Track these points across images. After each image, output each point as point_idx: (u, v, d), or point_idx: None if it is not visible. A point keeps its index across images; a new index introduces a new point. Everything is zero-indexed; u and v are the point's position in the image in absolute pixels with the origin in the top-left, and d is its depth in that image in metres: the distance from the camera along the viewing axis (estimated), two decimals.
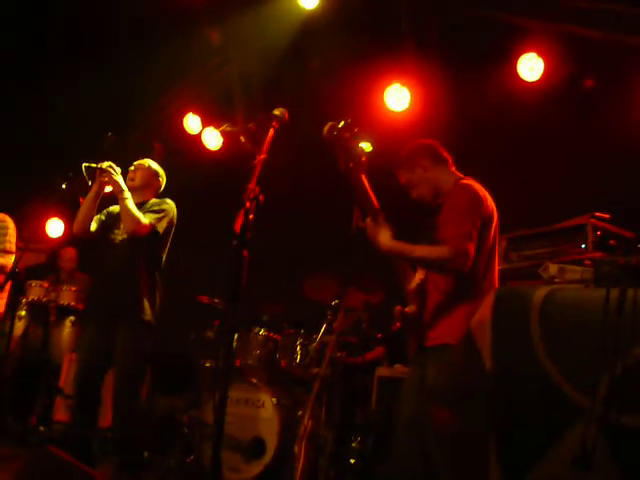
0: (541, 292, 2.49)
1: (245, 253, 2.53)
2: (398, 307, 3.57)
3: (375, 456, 5.31)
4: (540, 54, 5.98)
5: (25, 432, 6.75)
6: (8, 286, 5.73)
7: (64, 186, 4.83)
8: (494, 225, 3.48)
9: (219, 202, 6.93)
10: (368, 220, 3.45)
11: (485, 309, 2.56)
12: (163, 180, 5.03)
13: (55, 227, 8.69)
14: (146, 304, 4.62)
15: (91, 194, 4.68)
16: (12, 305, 4.47)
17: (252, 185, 2.65)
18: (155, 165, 5.04)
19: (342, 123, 3.39)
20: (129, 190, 4.69)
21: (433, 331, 3.41)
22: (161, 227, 4.66)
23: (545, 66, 5.98)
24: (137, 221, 4.55)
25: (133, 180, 4.87)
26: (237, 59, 7.57)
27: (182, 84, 8.04)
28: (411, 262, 3.56)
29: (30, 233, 7.31)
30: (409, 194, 3.69)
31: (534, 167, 6.02)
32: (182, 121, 7.81)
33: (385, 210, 3.47)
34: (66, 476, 3.03)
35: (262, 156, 2.83)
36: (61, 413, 6.85)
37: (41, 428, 6.82)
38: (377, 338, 6.02)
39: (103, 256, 4.83)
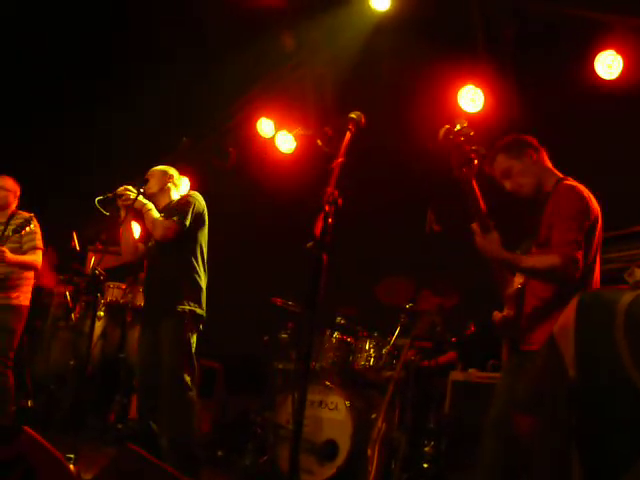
0: (627, 297, 2.42)
1: (324, 257, 2.54)
2: (496, 312, 3.51)
3: (448, 461, 5.25)
4: (619, 51, 5.82)
5: (104, 430, 6.93)
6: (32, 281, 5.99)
7: (142, 190, 4.94)
8: (599, 229, 3.42)
9: (292, 205, 6.99)
10: (475, 227, 3.35)
11: (568, 314, 2.50)
12: (174, 173, 5.16)
13: (183, 184, 8.84)
14: (185, 293, 4.71)
15: (123, 222, 4.88)
16: (93, 306, 4.56)
17: (331, 188, 2.65)
18: (161, 166, 5.19)
19: (458, 127, 3.32)
20: (151, 197, 4.94)
21: (531, 336, 3.36)
22: (187, 221, 4.76)
23: (624, 64, 5.82)
24: (162, 227, 4.71)
25: (150, 188, 5.03)
26: (310, 62, 7.60)
27: (255, 88, 8.11)
28: (519, 271, 3.46)
29: (109, 235, 7.48)
30: (501, 184, 3.59)
31: (611, 168, 5.87)
32: (255, 125, 7.88)
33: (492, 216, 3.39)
34: (147, 473, 3.08)
35: (340, 159, 2.83)
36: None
37: (119, 426, 6.98)
38: (451, 342, 5.96)
39: (146, 265, 5.05)
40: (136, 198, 4.79)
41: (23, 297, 5.89)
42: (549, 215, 3.39)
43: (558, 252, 3.24)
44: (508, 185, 3.58)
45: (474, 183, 3.32)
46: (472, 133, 3.32)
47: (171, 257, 4.81)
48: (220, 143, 8.28)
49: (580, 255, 3.25)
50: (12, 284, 5.82)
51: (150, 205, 4.82)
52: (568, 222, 3.29)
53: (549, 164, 3.62)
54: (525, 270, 3.39)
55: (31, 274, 5.97)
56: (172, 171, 5.18)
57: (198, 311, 4.73)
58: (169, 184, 5.10)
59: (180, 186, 5.20)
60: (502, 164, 3.58)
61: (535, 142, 3.63)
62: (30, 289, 6.00)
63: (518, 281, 3.46)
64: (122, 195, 4.84)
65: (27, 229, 5.76)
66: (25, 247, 5.87)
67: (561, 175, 3.58)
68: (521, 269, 3.40)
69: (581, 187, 3.43)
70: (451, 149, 3.32)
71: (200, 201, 4.93)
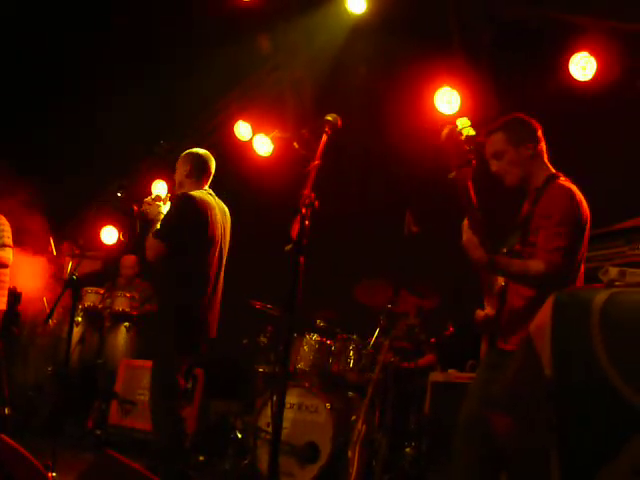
0: (602, 296, 2.43)
1: (302, 259, 2.54)
2: (479, 310, 3.50)
3: (429, 462, 5.27)
4: (592, 53, 5.88)
5: (82, 436, 6.88)
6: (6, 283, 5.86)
7: (120, 194, 4.91)
8: (587, 232, 3.41)
9: (270, 208, 6.99)
10: (465, 226, 3.30)
11: (544, 313, 2.51)
12: (193, 158, 4.84)
13: (109, 234, 8.83)
14: (167, 291, 4.66)
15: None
16: (71, 311, 4.53)
17: (307, 191, 2.65)
18: (183, 155, 4.93)
19: (460, 126, 3.25)
20: (180, 185, 4.79)
21: (511, 336, 3.35)
22: (160, 234, 4.53)
23: (598, 65, 5.87)
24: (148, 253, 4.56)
25: (175, 180, 4.91)
26: (287, 65, 7.61)
27: (232, 91, 8.11)
28: (504, 276, 3.42)
29: (86, 241, 7.44)
30: (487, 161, 3.52)
31: (587, 169, 5.90)
32: (233, 128, 7.88)
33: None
34: (126, 479, 3.07)
35: (316, 162, 2.83)
36: (116, 417, 6.97)
37: (98, 432, 6.94)
38: (430, 343, 5.98)
39: None
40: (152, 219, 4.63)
41: None
42: (538, 216, 3.37)
43: (543, 258, 3.24)
44: (494, 166, 3.53)
45: (470, 184, 3.31)
46: (474, 133, 3.29)
47: (159, 263, 4.69)
48: (197, 146, 8.26)
49: (565, 262, 3.24)
50: None
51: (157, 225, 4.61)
52: (557, 228, 3.27)
53: (544, 157, 3.55)
54: (512, 275, 3.36)
55: (5, 277, 5.83)
56: (188, 159, 4.87)
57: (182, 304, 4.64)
58: (187, 172, 4.82)
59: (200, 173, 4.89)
60: (497, 144, 3.51)
61: (539, 131, 3.56)
62: (4, 292, 5.86)
63: (501, 279, 3.45)
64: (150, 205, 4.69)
65: None
66: None
67: (553, 170, 3.53)
68: (508, 273, 3.37)
69: (574, 189, 3.40)
70: (452, 148, 3.27)
71: (183, 204, 4.63)
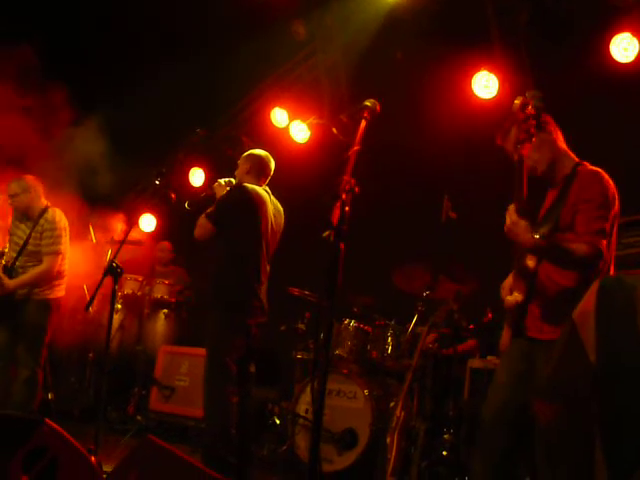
0: None
1: (342, 245, 2.52)
2: (508, 297, 3.45)
3: (467, 448, 5.25)
4: (635, 34, 5.75)
5: (123, 421, 6.98)
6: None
7: (158, 182, 4.93)
8: (618, 216, 3.40)
9: (306, 194, 6.97)
10: (512, 209, 3.28)
11: (589, 299, 2.48)
12: (253, 158, 5.07)
13: (148, 222, 8.91)
14: (223, 284, 4.75)
15: None
16: (111, 298, 4.57)
17: (347, 177, 2.64)
18: (246, 154, 5.14)
19: (530, 98, 3.28)
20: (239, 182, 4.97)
21: (544, 324, 3.32)
22: (211, 216, 4.76)
23: None
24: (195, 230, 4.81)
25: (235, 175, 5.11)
26: (323, 52, 7.58)
27: (268, 78, 8.10)
28: (547, 257, 3.36)
29: (126, 228, 7.50)
30: (509, 151, 3.48)
31: (628, 153, 5.82)
32: (269, 115, 7.87)
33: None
34: (167, 464, 3.09)
35: (356, 147, 2.81)
36: (156, 403, 7.05)
37: (138, 417, 7.03)
38: (469, 329, 5.94)
39: None
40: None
41: (52, 290, 5.77)
42: (574, 200, 3.35)
43: (586, 241, 3.22)
44: (517, 153, 3.42)
45: (525, 164, 3.29)
46: (542, 105, 3.30)
47: (216, 248, 4.89)
48: (234, 133, 8.29)
49: (605, 244, 3.23)
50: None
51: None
52: (597, 211, 3.27)
53: (565, 146, 3.57)
54: (554, 258, 3.31)
55: (63, 267, 5.82)
56: (248, 159, 5.11)
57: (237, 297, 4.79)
58: (247, 171, 5.05)
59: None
60: (515, 132, 3.44)
61: (552, 122, 3.57)
62: (62, 281, 5.88)
63: (530, 265, 3.39)
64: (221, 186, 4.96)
65: (47, 232, 5.64)
66: (44, 251, 5.66)
67: (577, 159, 3.53)
68: (551, 256, 3.32)
69: (605, 174, 3.39)
70: (518, 122, 3.30)
71: (236, 194, 4.86)
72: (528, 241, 3.25)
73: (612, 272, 3.37)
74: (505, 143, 3.53)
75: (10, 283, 5.55)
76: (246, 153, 5.15)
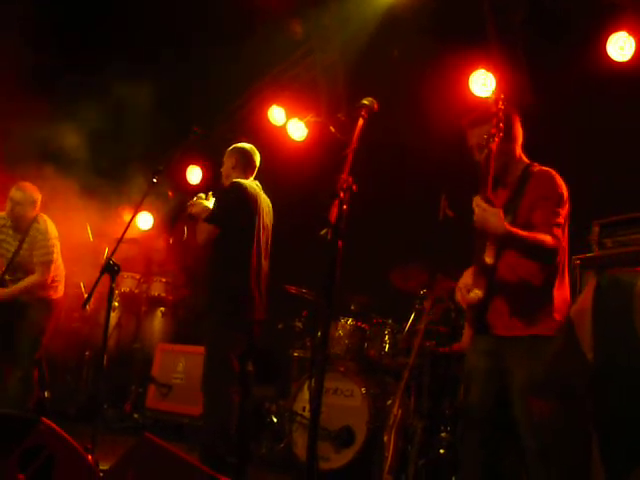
0: None
1: (340, 244, 2.52)
2: (472, 292, 3.38)
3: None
4: (631, 33, 5.75)
5: (120, 419, 6.98)
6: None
7: (154, 180, 4.92)
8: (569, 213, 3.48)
9: (303, 192, 6.98)
10: (480, 199, 3.31)
11: (585, 297, 2.49)
12: (238, 152, 5.03)
13: (145, 220, 8.84)
14: (221, 281, 4.74)
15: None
16: (108, 296, 4.56)
17: (345, 175, 2.64)
18: (230, 149, 5.10)
19: (502, 96, 3.38)
20: (227, 178, 4.97)
21: (516, 320, 3.30)
22: (216, 219, 4.72)
23: (636, 45, 5.75)
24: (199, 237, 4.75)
25: (222, 172, 5.08)
26: (321, 50, 7.57)
27: (266, 76, 8.10)
28: (516, 247, 3.35)
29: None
30: (472, 152, 3.59)
31: (624, 151, 5.82)
32: (267, 113, 7.87)
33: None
34: (165, 462, 3.09)
35: (353, 146, 2.81)
36: (153, 400, 7.06)
37: (135, 415, 7.03)
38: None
39: None
40: (196, 211, 4.87)
41: (55, 291, 5.84)
42: (532, 197, 3.41)
43: (548, 232, 3.26)
44: (477, 156, 3.55)
45: (493, 157, 3.34)
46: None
47: (211, 250, 4.87)
48: (231, 131, 8.27)
49: (561, 236, 3.33)
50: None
51: (204, 215, 4.79)
52: (554, 207, 3.34)
53: (521, 151, 3.63)
54: (525, 246, 3.30)
55: (58, 271, 5.87)
56: (235, 153, 5.07)
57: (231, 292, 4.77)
58: (233, 166, 5.03)
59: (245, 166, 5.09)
60: (478, 137, 3.54)
61: (520, 122, 3.64)
62: (61, 282, 5.91)
63: (488, 261, 3.35)
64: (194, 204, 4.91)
65: (40, 242, 5.68)
66: (36, 261, 5.71)
67: (528, 161, 3.61)
68: (526, 244, 3.29)
69: (557, 174, 3.48)
70: (491, 117, 3.38)
71: (235, 193, 4.82)
72: (500, 227, 3.22)
73: (566, 265, 3.43)
74: (470, 131, 3.61)
75: (1, 293, 5.61)
76: (230, 148, 5.09)
